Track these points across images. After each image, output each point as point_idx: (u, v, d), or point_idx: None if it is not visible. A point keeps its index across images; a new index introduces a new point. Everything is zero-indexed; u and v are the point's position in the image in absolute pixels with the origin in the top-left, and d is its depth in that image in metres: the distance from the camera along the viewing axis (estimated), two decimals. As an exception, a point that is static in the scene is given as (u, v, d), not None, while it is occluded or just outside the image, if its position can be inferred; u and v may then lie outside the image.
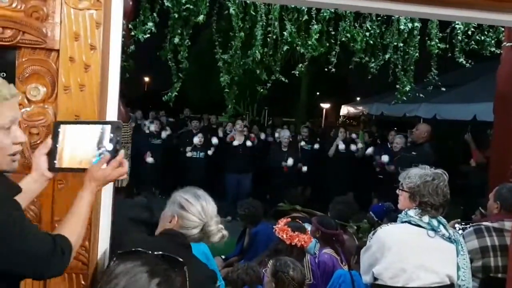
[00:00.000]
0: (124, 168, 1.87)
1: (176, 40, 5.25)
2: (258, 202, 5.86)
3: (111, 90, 2.25)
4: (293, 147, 9.33)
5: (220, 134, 10.11)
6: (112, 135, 1.87)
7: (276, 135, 10.65)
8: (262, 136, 10.86)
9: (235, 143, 9.02)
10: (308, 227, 4.49)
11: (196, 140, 9.28)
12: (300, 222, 4.46)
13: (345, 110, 18.23)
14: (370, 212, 5.67)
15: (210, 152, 9.39)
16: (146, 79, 29.04)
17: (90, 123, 1.94)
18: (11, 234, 1.50)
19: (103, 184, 1.86)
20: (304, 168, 9.17)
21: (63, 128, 1.90)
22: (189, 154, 9.31)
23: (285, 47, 5.65)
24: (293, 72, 5.99)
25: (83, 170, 1.85)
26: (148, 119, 11.06)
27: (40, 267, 1.58)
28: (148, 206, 3.17)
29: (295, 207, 5.98)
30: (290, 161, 8.90)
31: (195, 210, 2.25)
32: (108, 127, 1.87)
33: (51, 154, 1.88)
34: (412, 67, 5.97)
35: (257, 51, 5.49)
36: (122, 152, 1.86)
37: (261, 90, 6.27)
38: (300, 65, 5.87)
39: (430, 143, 6.91)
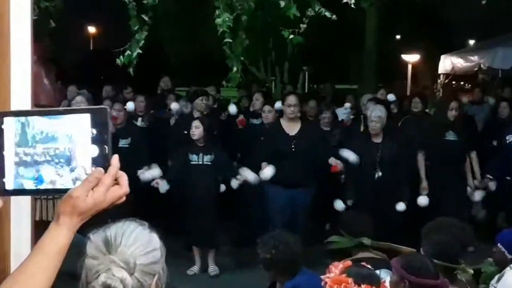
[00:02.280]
0: (123, 188, 1.24)
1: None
2: (293, 235, 4.10)
3: (14, 64, 1.64)
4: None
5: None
6: (94, 131, 1.22)
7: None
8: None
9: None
10: (385, 275, 3.56)
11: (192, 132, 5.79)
12: (369, 266, 3.41)
13: (447, 63, 12.60)
14: (498, 244, 4.16)
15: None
16: (91, 30, 20.62)
17: (55, 112, 1.26)
18: None
19: (90, 216, 1.27)
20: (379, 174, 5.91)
21: (8, 124, 1.24)
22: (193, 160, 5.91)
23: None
24: (346, 0, 3.91)
25: (54, 192, 1.32)
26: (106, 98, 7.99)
27: None
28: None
29: (360, 240, 4.13)
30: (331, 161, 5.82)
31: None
32: (86, 118, 1.22)
33: None
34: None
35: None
36: (116, 159, 1.25)
37: (291, 36, 4.30)
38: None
39: None
